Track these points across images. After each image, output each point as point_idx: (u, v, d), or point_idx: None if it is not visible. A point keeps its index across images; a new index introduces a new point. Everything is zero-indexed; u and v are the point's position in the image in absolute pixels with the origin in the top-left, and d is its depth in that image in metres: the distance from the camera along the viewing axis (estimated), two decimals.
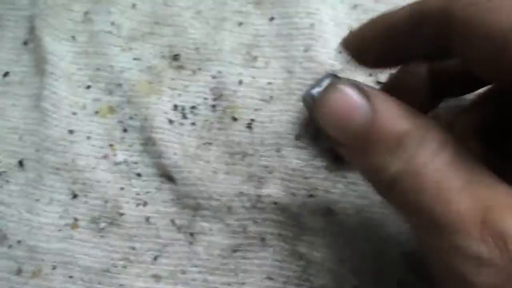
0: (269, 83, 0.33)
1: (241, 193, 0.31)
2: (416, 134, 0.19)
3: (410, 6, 0.22)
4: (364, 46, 0.24)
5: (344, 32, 0.34)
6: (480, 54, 0.18)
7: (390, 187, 0.19)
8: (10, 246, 0.31)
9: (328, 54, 0.33)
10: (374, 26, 0.24)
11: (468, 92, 0.26)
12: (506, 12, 0.17)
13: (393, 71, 0.28)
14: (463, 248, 0.16)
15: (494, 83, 0.20)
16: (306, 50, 0.33)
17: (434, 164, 0.18)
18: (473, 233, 0.16)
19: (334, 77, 0.25)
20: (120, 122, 0.33)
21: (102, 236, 0.31)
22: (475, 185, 0.17)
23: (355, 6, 0.35)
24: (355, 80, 0.21)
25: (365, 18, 0.34)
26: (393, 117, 0.19)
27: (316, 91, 0.25)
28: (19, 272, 0.30)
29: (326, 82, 0.24)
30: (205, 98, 0.33)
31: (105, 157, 0.32)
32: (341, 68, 0.33)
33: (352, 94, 0.20)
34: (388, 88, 0.24)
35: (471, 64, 0.19)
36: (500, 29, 0.17)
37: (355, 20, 0.34)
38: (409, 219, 0.19)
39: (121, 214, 0.31)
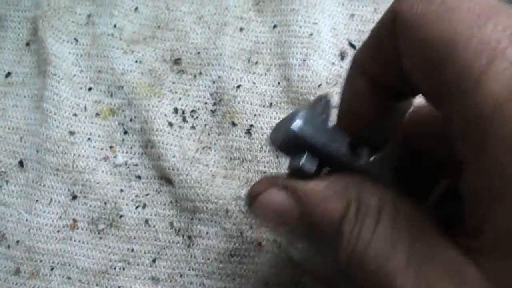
0: (269, 90, 0.33)
1: (239, 197, 0.31)
2: (351, 216, 0.19)
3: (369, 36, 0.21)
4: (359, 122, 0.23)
5: (341, 44, 0.34)
6: (419, 62, 0.17)
7: (345, 272, 0.19)
8: (8, 247, 0.31)
9: (324, 65, 0.33)
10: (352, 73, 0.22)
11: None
12: (450, 21, 0.16)
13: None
14: None
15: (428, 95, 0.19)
16: (304, 59, 0.33)
17: (373, 246, 0.18)
18: None
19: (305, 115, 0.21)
20: (121, 124, 0.33)
21: (101, 238, 0.31)
22: (416, 257, 0.17)
23: (352, 16, 0.35)
24: (274, 176, 0.22)
25: (363, 29, 0.35)
26: (321, 205, 0.19)
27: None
28: (17, 272, 0.31)
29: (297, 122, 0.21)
30: (205, 103, 0.34)
31: (105, 158, 0.33)
32: (335, 80, 0.33)
33: (276, 197, 0.21)
34: (342, 112, 0.23)
35: (412, 70, 0.18)
36: (442, 39, 0.16)
37: (353, 31, 0.35)
38: None
39: (121, 216, 0.31)
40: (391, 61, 0.19)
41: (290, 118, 0.21)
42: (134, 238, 0.31)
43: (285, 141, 0.21)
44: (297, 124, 0.20)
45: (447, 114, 0.17)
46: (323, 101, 0.23)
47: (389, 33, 0.19)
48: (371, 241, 0.18)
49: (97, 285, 0.30)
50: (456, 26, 0.16)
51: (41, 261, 0.31)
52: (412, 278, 0.17)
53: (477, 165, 0.15)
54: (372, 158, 0.22)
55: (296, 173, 0.21)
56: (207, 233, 0.31)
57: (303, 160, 0.20)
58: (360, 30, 0.35)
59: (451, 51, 0.16)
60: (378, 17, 0.35)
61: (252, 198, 0.22)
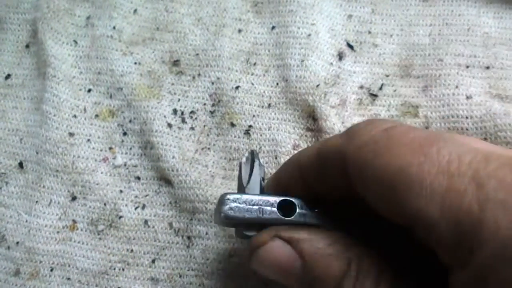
0: (268, 90, 0.34)
1: None
2: (351, 273, 0.19)
3: (316, 146, 0.23)
4: (283, 188, 0.25)
5: (339, 44, 0.35)
6: (373, 194, 0.19)
7: None
8: (8, 248, 0.31)
9: (322, 66, 0.33)
10: (288, 169, 0.25)
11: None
12: (392, 155, 0.19)
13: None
14: None
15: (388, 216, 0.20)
16: (302, 60, 0.34)
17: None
18: None
19: (236, 199, 0.24)
20: (120, 125, 0.33)
21: (100, 239, 0.31)
22: None
23: (350, 17, 0.36)
24: (277, 228, 0.22)
25: (360, 30, 0.35)
26: (323, 261, 0.20)
27: (224, 209, 0.24)
28: (17, 273, 0.31)
29: (229, 204, 0.23)
30: (204, 104, 0.34)
31: (105, 160, 0.33)
32: (333, 80, 0.33)
33: (278, 250, 0.22)
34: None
35: (368, 200, 0.20)
36: (387, 172, 0.18)
37: (351, 32, 0.35)
38: None
39: (120, 217, 0.32)
40: (334, 184, 0.22)
41: (220, 203, 0.24)
42: (134, 238, 0.31)
43: (223, 224, 0.25)
44: (225, 209, 0.23)
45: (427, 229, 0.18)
46: (249, 159, 0.26)
47: (336, 167, 0.21)
48: None
49: (96, 285, 0.30)
50: (404, 156, 0.18)
51: (40, 262, 0.31)
52: None
53: (465, 272, 0.16)
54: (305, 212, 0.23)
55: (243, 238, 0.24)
56: (206, 233, 0.31)
57: (242, 231, 0.24)
58: (358, 31, 0.35)
59: (405, 178, 0.18)
60: (375, 18, 0.35)
61: (253, 250, 0.23)
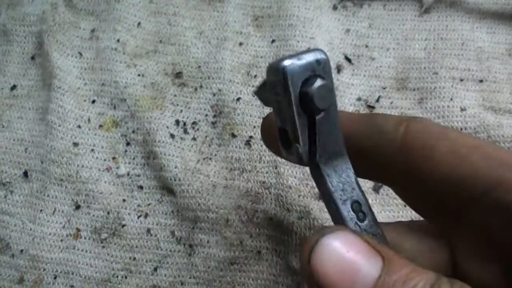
0: None
1: (239, 207, 0.32)
2: (445, 283, 0.17)
3: (364, 117, 0.22)
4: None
5: (337, 58, 0.36)
6: (442, 167, 0.19)
7: None
8: (12, 256, 0.32)
9: None
10: None
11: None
12: (460, 135, 0.20)
13: None
14: None
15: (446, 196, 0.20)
16: None
17: None
18: None
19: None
20: (124, 135, 0.34)
21: (103, 247, 0.32)
22: None
23: (347, 31, 0.37)
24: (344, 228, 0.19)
25: (358, 43, 0.36)
26: (409, 269, 0.17)
27: (290, 63, 0.18)
28: (21, 281, 0.31)
29: (308, 57, 0.18)
30: (206, 115, 0.35)
31: (108, 169, 0.33)
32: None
33: (356, 241, 0.18)
34: None
35: (427, 182, 0.20)
36: (462, 146, 0.19)
37: (349, 45, 0.36)
38: None
39: (123, 225, 0.32)
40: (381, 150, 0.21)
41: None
42: (136, 247, 0.32)
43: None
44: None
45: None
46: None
47: (395, 133, 0.21)
48: None
49: None
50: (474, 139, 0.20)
51: (44, 269, 0.31)
52: None
53: None
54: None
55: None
56: (208, 241, 0.32)
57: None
58: (355, 45, 0.36)
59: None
60: (372, 32, 0.36)
61: (313, 243, 0.18)
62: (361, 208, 0.19)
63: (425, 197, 0.21)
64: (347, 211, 0.19)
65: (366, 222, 0.19)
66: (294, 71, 0.18)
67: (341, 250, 0.17)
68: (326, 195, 0.20)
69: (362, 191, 0.20)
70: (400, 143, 0.21)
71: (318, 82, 0.18)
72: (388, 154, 0.21)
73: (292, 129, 0.19)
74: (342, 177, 0.20)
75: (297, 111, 0.18)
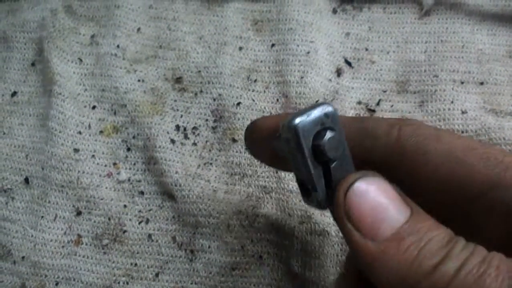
0: (268, 106, 0.34)
1: (240, 212, 0.32)
2: (462, 239, 0.18)
3: (355, 121, 0.22)
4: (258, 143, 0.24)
5: (337, 61, 0.36)
6: (436, 169, 0.20)
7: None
8: (14, 262, 0.32)
9: (321, 82, 0.34)
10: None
11: None
12: (455, 137, 0.20)
13: None
14: None
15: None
16: (301, 77, 0.34)
17: (491, 264, 0.17)
18: None
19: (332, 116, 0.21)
20: (124, 141, 0.34)
21: (105, 253, 0.32)
22: None
23: (347, 34, 0.37)
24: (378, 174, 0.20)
25: (358, 47, 0.36)
26: (429, 222, 0.18)
27: (300, 120, 0.20)
28: (22, 287, 0.31)
29: (316, 112, 0.20)
30: (206, 120, 0.35)
31: (109, 175, 0.33)
32: (332, 96, 0.34)
33: (384, 194, 0.19)
34: None
35: (424, 181, 0.20)
36: (456, 148, 0.19)
37: (349, 49, 0.36)
38: None
39: (124, 231, 0.32)
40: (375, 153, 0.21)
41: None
42: (138, 252, 0.32)
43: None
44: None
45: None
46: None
47: (387, 139, 0.21)
48: (486, 261, 0.17)
49: None
50: (469, 140, 0.20)
51: (46, 276, 0.31)
52: None
53: None
54: None
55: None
56: (209, 247, 0.32)
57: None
58: (355, 48, 0.36)
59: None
60: (372, 35, 0.36)
61: (346, 186, 0.19)
62: None
63: (423, 198, 0.21)
64: None
65: None
66: (305, 127, 0.20)
67: (376, 193, 0.19)
68: None
69: None
70: (394, 148, 0.21)
71: (328, 135, 0.20)
72: (382, 158, 0.21)
73: (308, 180, 0.21)
74: None
75: (311, 164, 0.20)
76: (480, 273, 0.17)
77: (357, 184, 0.19)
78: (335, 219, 0.21)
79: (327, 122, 0.20)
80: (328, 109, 0.20)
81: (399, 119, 0.22)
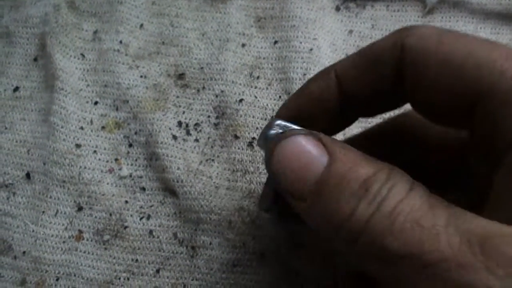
0: (271, 103, 0.34)
1: (241, 208, 0.32)
2: (382, 177, 0.18)
3: (358, 51, 0.22)
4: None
5: (340, 58, 0.35)
6: (436, 79, 0.19)
7: (355, 237, 0.17)
8: (15, 257, 0.32)
9: None
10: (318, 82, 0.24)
11: (379, 113, 0.26)
12: (458, 42, 0.19)
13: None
14: (471, 283, 0.15)
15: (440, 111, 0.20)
16: (304, 74, 0.34)
17: (409, 203, 0.17)
18: (477, 265, 0.15)
19: (284, 126, 0.23)
20: (126, 137, 0.34)
21: (106, 248, 0.32)
22: (458, 219, 0.16)
23: (350, 32, 0.36)
24: (309, 131, 0.21)
25: (361, 44, 0.36)
26: (354, 163, 0.18)
27: (270, 133, 0.23)
28: (23, 283, 0.31)
29: (275, 129, 0.22)
30: (208, 116, 0.35)
31: (111, 171, 0.33)
32: None
33: (306, 144, 0.20)
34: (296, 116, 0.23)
35: (424, 94, 0.20)
36: (455, 55, 0.18)
37: (351, 46, 0.36)
38: (379, 269, 0.17)
39: (125, 227, 0.32)
40: (381, 82, 0.21)
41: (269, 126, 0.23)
42: (139, 248, 0.32)
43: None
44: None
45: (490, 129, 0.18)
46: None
47: (391, 60, 0.20)
48: (408, 199, 0.17)
49: None
50: (471, 43, 0.19)
51: (46, 271, 0.31)
52: (459, 236, 0.16)
53: None
54: None
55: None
56: (210, 243, 0.32)
57: None
58: (358, 46, 0.36)
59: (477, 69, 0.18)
60: (375, 33, 0.36)
61: (281, 139, 0.21)
62: None
63: (431, 107, 0.21)
64: None
65: None
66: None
67: (301, 143, 0.20)
68: None
69: None
70: (398, 65, 0.20)
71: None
72: (389, 82, 0.21)
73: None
74: None
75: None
76: (392, 220, 0.17)
77: (282, 142, 0.21)
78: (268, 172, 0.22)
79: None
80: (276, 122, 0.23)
81: (403, 29, 0.21)
